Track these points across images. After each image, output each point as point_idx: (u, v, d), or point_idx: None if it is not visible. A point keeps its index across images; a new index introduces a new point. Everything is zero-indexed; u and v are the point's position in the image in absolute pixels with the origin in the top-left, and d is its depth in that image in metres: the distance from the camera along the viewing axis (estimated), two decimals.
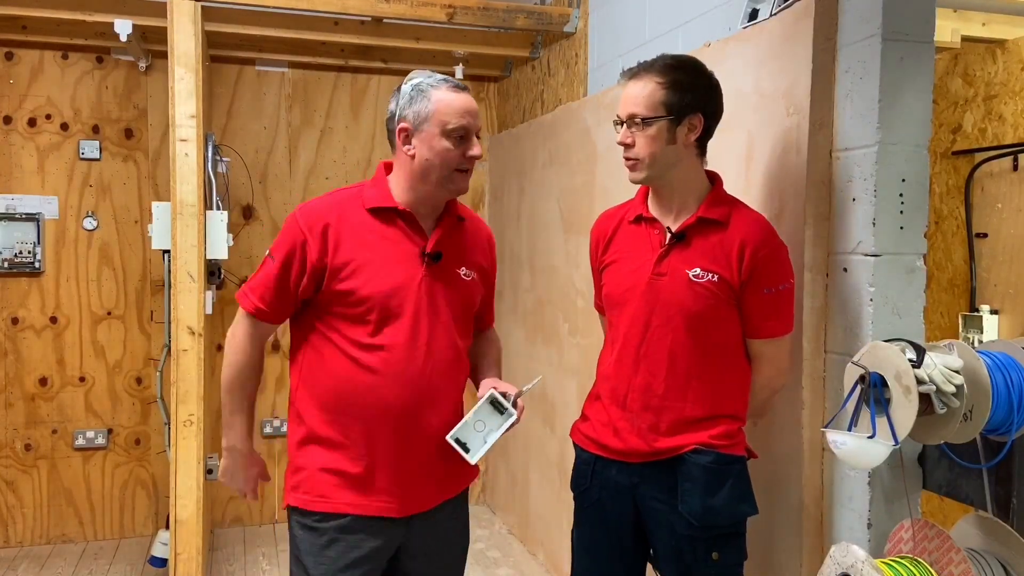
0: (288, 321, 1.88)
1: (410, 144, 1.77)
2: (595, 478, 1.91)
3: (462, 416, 1.81)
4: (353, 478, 1.76)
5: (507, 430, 1.77)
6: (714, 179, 1.88)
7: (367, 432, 1.76)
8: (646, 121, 1.77)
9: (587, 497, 1.93)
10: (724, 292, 1.78)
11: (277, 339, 4.15)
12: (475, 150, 1.77)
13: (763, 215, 1.88)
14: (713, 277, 1.78)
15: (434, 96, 1.74)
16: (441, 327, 1.79)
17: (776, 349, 1.85)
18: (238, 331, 1.85)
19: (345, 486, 1.76)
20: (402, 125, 1.77)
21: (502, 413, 1.77)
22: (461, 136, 1.74)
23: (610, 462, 1.88)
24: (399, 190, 1.81)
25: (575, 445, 1.99)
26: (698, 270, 1.78)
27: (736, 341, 1.84)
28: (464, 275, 1.85)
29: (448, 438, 1.74)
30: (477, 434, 1.77)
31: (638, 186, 1.97)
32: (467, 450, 1.75)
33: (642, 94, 1.78)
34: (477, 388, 1.91)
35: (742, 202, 1.88)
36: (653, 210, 1.89)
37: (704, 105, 1.80)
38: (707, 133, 1.83)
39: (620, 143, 1.83)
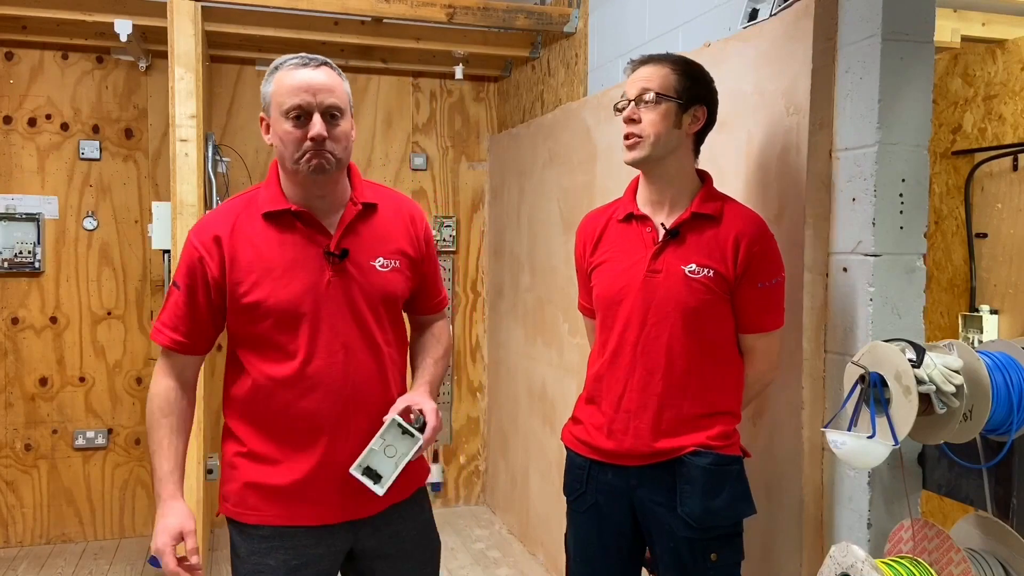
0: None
1: (270, 134, 1.66)
2: (591, 482, 1.90)
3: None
4: (280, 490, 1.68)
5: (416, 453, 1.61)
6: (704, 177, 1.90)
7: (294, 444, 1.67)
8: (659, 97, 1.79)
9: (583, 502, 1.92)
10: (720, 287, 1.79)
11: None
12: (314, 130, 1.57)
13: (755, 210, 1.89)
14: (709, 272, 1.78)
15: (276, 77, 1.62)
16: (357, 328, 1.67)
17: (768, 343, 1.86)
18: (157, 367, 1.73)
19: (273, 498, 1.68)
20: (261, 115, 1.68)
21: (413, 435, 1.61)
22: (298, 115, 1.58)
23: (606, 466, 1.87)
24: (287, 187, 1.68)
25: (567, 449, 1.97)
26: (694, 266, 1.79)
27: (729, 337, 1.84)
28: (381, 267, 1.70)
29: (352, 471, 1.58)
30: (388, 460, 1.61)
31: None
32: (377, 478, 1.59)
33: (657, 74, 1.81)
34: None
35: (733, 198, 1.89)
36: (644, 207, 1.89)
37: (708, 102, 1.85)
38: (704, 130, 1.86)
39: (627, 119, 1.82)
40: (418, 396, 1.69)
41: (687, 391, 1.80)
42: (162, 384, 1.71)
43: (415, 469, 1.75)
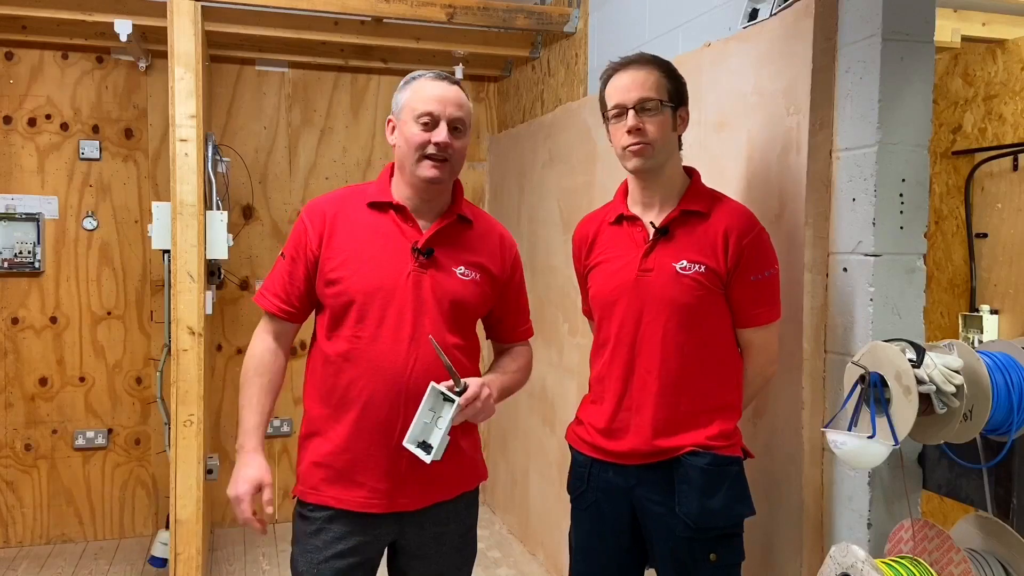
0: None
1: (394, 135, 1.82)
2: (592, 481, 1.91)
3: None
4: (338, 471, 1.77)
5: (454, 416, 1.66)
6: (691, 173, 1.91)
7: (352, 425, 1.76)
8: (663, 104, 1.79)
9: (584, 500, 1.93)
10: (712, 282, 1.79)
11: None
12: (439, 136, 1.73)
13: (755, 210, 1.89)
14: (700, 268, 1.78)
15: (412, 86, 1.79)
16: (428, 322, 1.76)
17: (766, 337, 1.86)
18: (257, 329, 1.88)
19: (332, 479, 1.78)
20: (390, 118, 1.84)
21: (454, 401, 1.67)
22: (427, 122, 1.73)
23: (607, 464, 1.88)
24: (397, 186, 1.83)
25: (571, 447, 1.99)
26: (684, 262, 1.79)
27: (726, 332, 1.84)
28: (462, 274, 1.81)
29: (405, 444, 1.67)
30: (437, 429, 1.67)
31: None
32: (428, 448, 1.66)
33: (650, 80, 1.80)
34: None
35: (721, 193, 1.90)
36: (634, 208, 1.90)
37: (686, 102, 1.87)
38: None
39: (631, 128, 1.78)
40: (470, 378, 1.75)
41: (684, 388, 1.81)
42: (259, 346, 1.86)
43: (464, 472, 1.86)
